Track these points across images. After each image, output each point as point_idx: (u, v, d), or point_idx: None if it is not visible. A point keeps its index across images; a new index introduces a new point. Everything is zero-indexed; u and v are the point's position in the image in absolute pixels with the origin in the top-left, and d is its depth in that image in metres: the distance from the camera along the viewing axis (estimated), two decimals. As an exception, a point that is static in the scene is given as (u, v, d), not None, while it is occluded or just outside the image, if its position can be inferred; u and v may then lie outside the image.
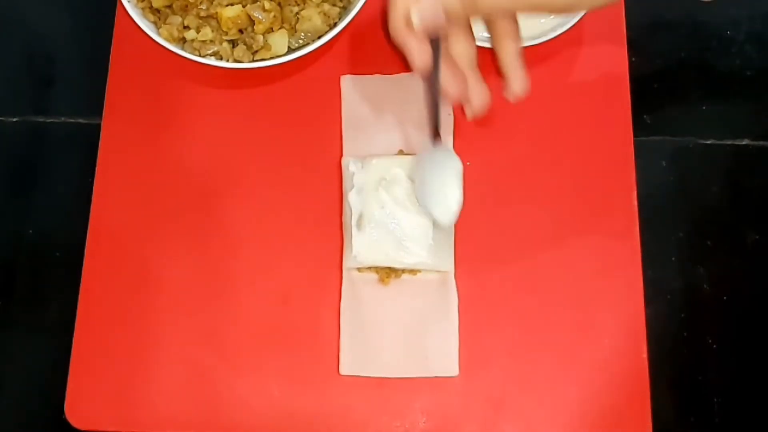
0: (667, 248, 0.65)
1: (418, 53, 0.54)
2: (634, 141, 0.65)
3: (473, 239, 0.62)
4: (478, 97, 0.59)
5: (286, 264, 0.62)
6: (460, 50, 0.58)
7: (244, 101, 0.66)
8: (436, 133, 0.59)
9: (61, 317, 0.62)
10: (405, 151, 0.64)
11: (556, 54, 0.66)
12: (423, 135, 0.64)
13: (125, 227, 0.63)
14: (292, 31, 0.64)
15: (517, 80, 0.58)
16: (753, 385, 0.62)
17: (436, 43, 0.54)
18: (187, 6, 0.64)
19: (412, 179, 0.60)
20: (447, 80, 0.56)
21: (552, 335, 0.60)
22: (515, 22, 0.58)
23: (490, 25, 0.60)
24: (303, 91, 0.66)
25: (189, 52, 0.63)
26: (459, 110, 0.65)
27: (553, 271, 0.62)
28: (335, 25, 0.64)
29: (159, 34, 0.64)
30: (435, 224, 0.59)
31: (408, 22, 0.53)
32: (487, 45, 0.62)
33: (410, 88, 0.65)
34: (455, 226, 0.62)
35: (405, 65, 0.62)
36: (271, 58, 0.63)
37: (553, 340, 0.60)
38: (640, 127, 0.66)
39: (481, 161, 0.64)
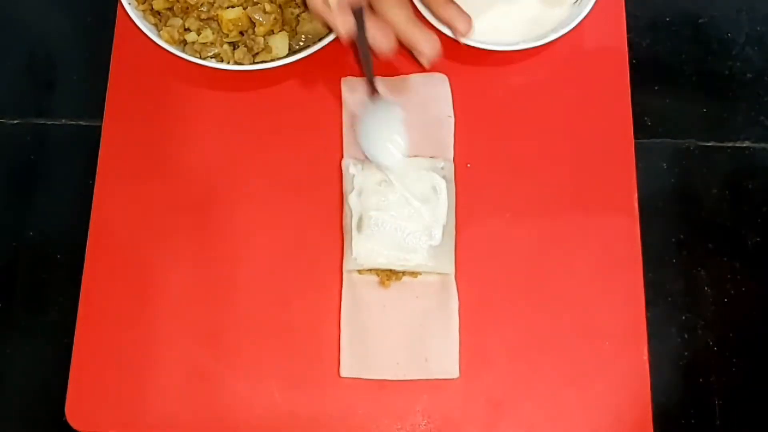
0: (667, 250, 0.65)
1: (343, 23, 0.55)
2: (635, 143, 0.65)
3: (474, 241, 0.62)
4: (426, 45, 0.59)
5: (287, 266, 0.62)
6: (391, 12, 0.59)
7: (245, 103, 0.66)
8: (373, 89, 0.61)
9: (62, 319, 0.62)
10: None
11: (557, 56, 0.66)
12: (425, 138, 0.64)
13: (126, 229, 0.63)
14: (293, 33, 0.64)
15: (461, 23, 0.60)
16: (753, 386, 0.62)
17: (358, 9, 0.55)
18: (187, 8, 0.64)
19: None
20: (375, 39, 0.58)
21: (552, 337, 0.60)
22: None
23: (375, 2, 0.60)
24: (303, 93, 0.66)
25: (190, 55, 0.63)
26: (459, 111, 0.65)
27: (554, 272, 0.62)
28: (336, 27, 0.64)
29: (160, 37, 0.64)
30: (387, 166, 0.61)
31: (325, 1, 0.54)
32: (480, 46, 0.62)
33: (411, 89, 0.65)
34: (455, 228, 0.62)
35: (405, 67, 0.62)
36: (272, 60, 0.63)
37: (553, 341, 0.60)
38: (640, 129, 0.66)
39: (482, 163, 0.64)
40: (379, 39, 0.58)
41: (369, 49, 0.58)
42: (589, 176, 0.64)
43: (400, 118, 0.62)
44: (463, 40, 0.62)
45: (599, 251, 0.62)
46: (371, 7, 0.58)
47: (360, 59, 0.60)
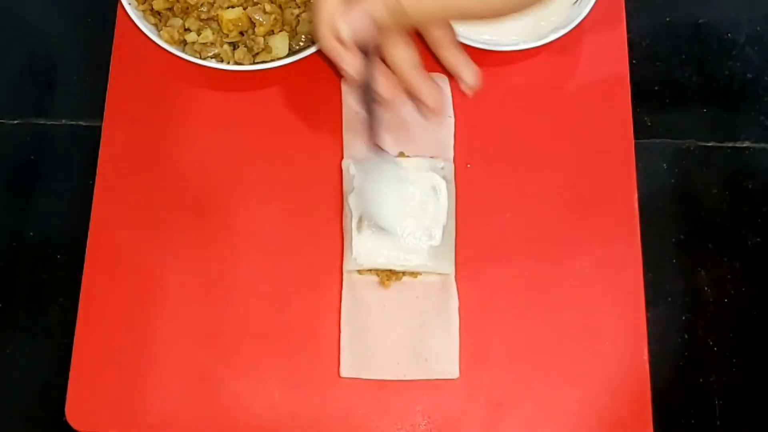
0: (667, 250, 0.65)
1: (350, 64, 0.54)
2: (635, 143, 0.65)
3: (474, 241, 0.62)
4: (429, 96, 0.59)
5: (287, 266, 0.62)
6: (398, 56, 0.58)
7: (245, 104, 0.66)
8: (374, 142, 0.58)
9: (62, 319, 0.62)
10: (406, 154, 0.64)
11: (557, 56, 0.66)
12: (425, 138, 0.64)
13: (126, 229, 0.63)
14: (293, 33, 0.64)
15: (468, 74, 0.59)
16: (754, 387, 0.62)
17: (368, 51, 0.54)
18: (188, 8, 0.64)
19: (411, 181, 0.61)
20: (381, 87, 0.57)
21: (553, 337, 0.60)
22: (449, 27, 0.58)
23: (424, 32, 0.60)
24: (304, 93, 0.66)
25: (190, 55, 0.63)
26: (459, 112, 0.65)
27: (554, 273, 0.62)
28: (336, 27, 0.64)
29: (160, 37, 0.64)
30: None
31: (337, 34, 0.52)
32: (481, 46, 0.62)
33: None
34: (456, 228, 0.62)
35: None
36: (272, 60, 0.63)
37: (553, 342, 0.60)
38: (640, 129, 0.66)
39: (482, 163, 0.64)
40: (384, 87, 0.57)
41: (374, 96, 0.56)
42: (589, 176, 0.64)
43: (401, 177, 0.60)
44: (467, 42, 0.62)
45: (599, 251, 0.62)
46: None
47: (362, 105, 0.57)
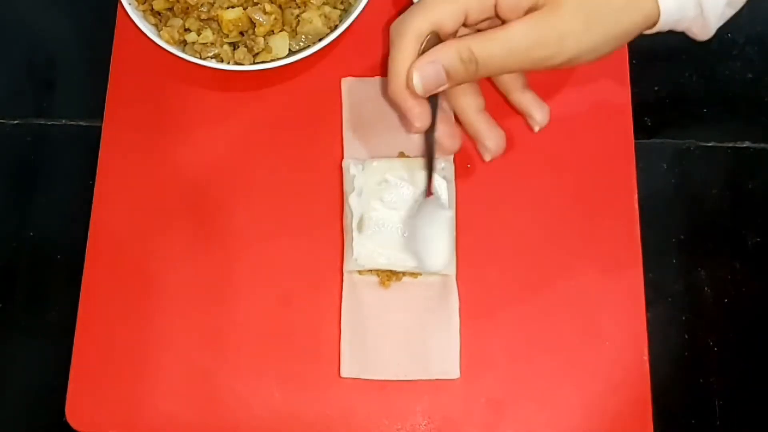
0: (668, 251, 0.65)
1: (418, 115, 0.53)
2: (635, 143, 0.65)
3: (474, 242, 0.62)
4: (493, 141, 0.58)
5: (287, 267, 0.62)
6: (464, 103, 0.57)
7: (245, 104, 0.66)
8: (429, 187, 0.58)
9: (62, 320, 0.62)
10: (406, 154, 0.64)
11: (557, 56, 0.66)
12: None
13: (126, 230, 0.63)
14: (293, 33, 0.64)
15: (539, 114, 0.58)
16: (754, 387, 0.62)
17: (433, 98, 0.54)
18: (188, 9, 0.64)
19: (410, 182, 0.61)
20: (444, 135, 0.57)
21: (553, 338, 0.60)
22: (519, 72, 0.57)
23: (494, 78, 0.59)
24: (304, 93, 0.66)
25: (190, 55, 0.63)
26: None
27: (554, 273, 0.62)
28: (336, 27, 0.64)
29: (160, 37, 0.64)
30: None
31: (408, 83, 0.52)
32: None
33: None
34: (456, 228, 0.62)
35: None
36: (272, 60, 0.63)
37: (554, 342, 0.60)
38: (640, 129, 0.66)
39: (482, 164, 0.64)
40: (447, 138, 0.57)
41: (434, 144, 0.56)
42: (590, 176, 0.64)
43: (451, 222, 0.60)
44: None
45: (599, 251, 0.62)
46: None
47: (424, 151, 0.58)
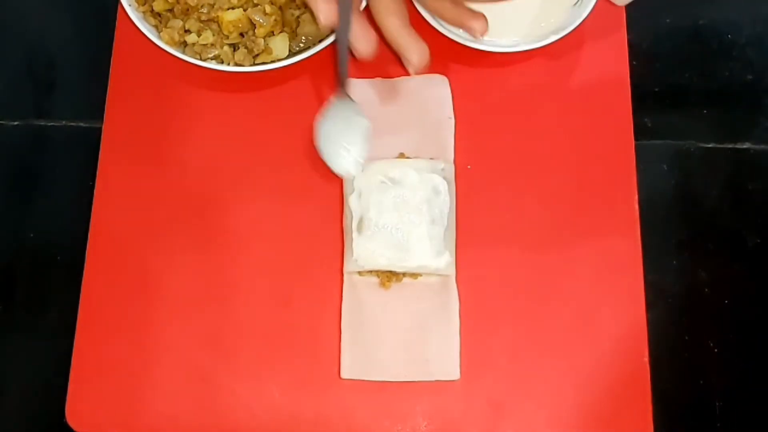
0: (668, 252, 0.65)
1: (323, 11, 0.54)
2: (635, 144, 0.65)
3: (474, 242, 0.62)
4: (416, 54, 0.59)
5: (287, 268, 0.62)
6: (388, 21, 0.58)
7: (245, 105, 0.66)
8: (341, 86, 0.60)
9: (62, 321, 0.62)
10: (406, 154, 0.64)
11: (558, 57, 0.66)
12: (425, 139, 0.64)
13: (126, 231, 0.63)
14: (293, 34, 0.64)
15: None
16: (754, 388, 0.62)
17: (345, 3, 0.55)
18: (188, 10, 0.64)
19: (411, 182, 0.61)
20: (356, 38, 0.57)
21: (553, 339, 0.60)
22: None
23: (371, 3, 0.60)
24: (304, 94, 0.66)
25: (190, 56, 0.63)
26: (459, 113, 0.65)
27: (555, 274, 0.62)
28: (336, 28, 0.64)
29: (160, 38, 0.64)
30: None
31: None
32: (481, 47, 0.62)
33: (411, 91, 0.65)
34: (456, 228, 0.62)
35: (405, 69, 0.62)
36: (272, 61, 0.63)
37: (554, 343, 0.60)
38: (640, 130, 0.66)
39: (482, 164, 0.64)
40: (361, 40, 0.57)
41: (347, 47, 0.57)
42: (590, 177, 0.64)
43: (363, 126, 0.61)
44: (467, 43, 0.62)
45: (600, 252, 0.62)
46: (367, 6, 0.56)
47: (336, 50, 0.59)
